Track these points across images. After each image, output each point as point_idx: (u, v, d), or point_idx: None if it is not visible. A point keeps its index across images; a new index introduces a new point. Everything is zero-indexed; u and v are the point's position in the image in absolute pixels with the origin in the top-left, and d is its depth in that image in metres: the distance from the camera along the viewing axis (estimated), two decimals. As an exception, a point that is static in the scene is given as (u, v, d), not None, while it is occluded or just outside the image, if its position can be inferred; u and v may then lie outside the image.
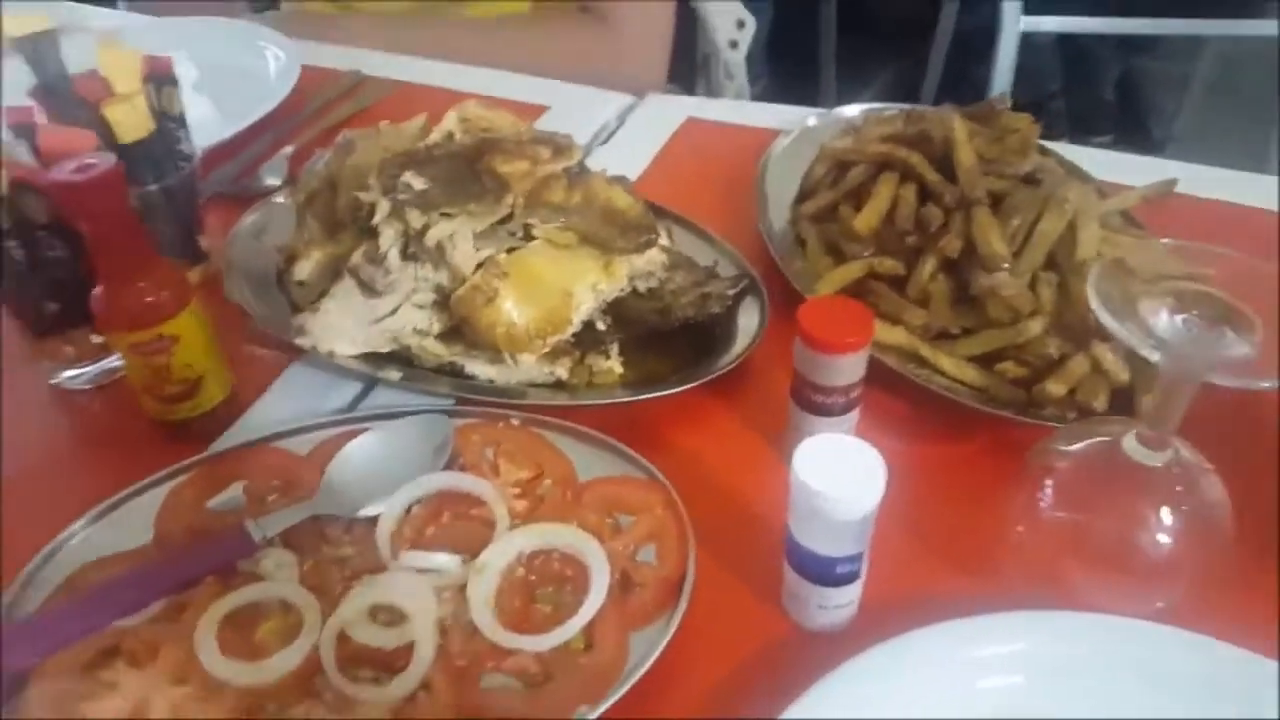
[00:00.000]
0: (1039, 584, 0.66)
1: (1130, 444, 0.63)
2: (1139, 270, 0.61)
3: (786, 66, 2.08)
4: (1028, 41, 1.97)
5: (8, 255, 0.77)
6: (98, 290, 0.72)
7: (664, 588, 0.66)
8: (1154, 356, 0.56)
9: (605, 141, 1.17)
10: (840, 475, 0.59)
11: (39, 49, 0.85)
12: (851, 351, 0.70)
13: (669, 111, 1.21)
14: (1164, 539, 0.63)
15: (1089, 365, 0.77)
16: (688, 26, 1.59)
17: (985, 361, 0.80)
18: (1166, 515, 0.63)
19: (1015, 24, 1.95)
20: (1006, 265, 0.79)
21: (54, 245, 0.78)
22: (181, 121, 0.89)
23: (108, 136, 0.82)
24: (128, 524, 0.70)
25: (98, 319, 0.74)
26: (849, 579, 0.64)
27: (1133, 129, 2.61)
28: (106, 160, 0.67)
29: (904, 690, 0.59)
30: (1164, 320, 0.57)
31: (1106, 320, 0.57)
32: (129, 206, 0.70)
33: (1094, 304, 0.58)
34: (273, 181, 1.07)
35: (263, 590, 0.65)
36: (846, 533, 0.61)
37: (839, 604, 0.65)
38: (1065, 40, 2.22)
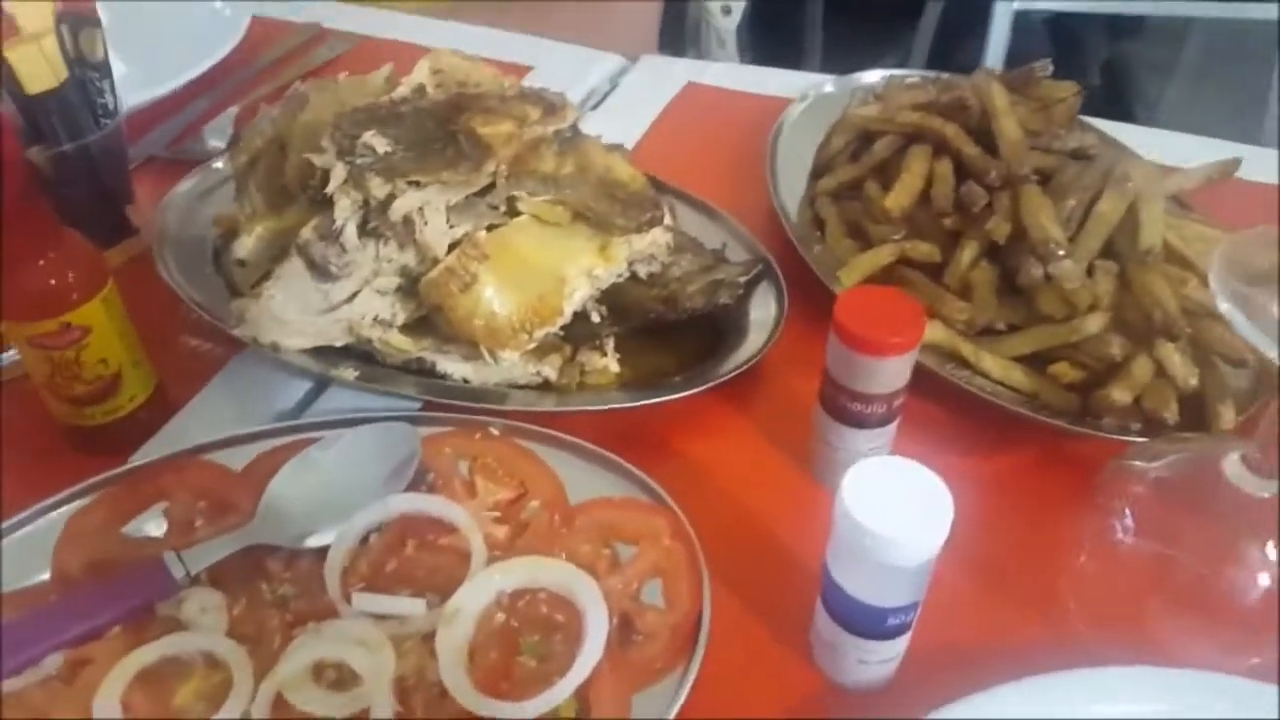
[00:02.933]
0: (1107, 626, 0.59)
1: (1234, 468, 0.56)
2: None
3: (771, 43, 2.01)
4: (1018, 22, 1.91)
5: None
6: (-11, 271, 0.60)
7: (674, 637, 0.57)
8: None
9: (595, 107, 1.07)
10: (898, 511, 0.49)
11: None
12: (898, 353, 0.60)
13: (667, 75, 1.11)
14: (1267, 582, 0.55)
15: (1152, 369, 0.69)
16: (678, -9, 1.48)
17: (1034, 362, 0.73)
18: (1275, 554, 0.55)
19: (1010, 2, 1.87)
20: (1063, 252, 0.69)
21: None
22: (104, 70, 0.78)
23: (11, 85, 0.71)
24: (19, 556, 0.60)
25: (-11, 305, 0.62)
26: (899, 631, 0.54)
27: (1117, 114, 2.56)
28: (-5, 110, 0.55)
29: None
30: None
31: (1238, 320, 0.48)
32: (24, 167, 0.58)
33: (1219, 297, 0.48)
34: (217, 144, 0.98)
35: (183, 642, 0.55)
36: (903, 580, 0.51)
37: (884, 658, 0.56)
38: (1055, 23, 2.17)
